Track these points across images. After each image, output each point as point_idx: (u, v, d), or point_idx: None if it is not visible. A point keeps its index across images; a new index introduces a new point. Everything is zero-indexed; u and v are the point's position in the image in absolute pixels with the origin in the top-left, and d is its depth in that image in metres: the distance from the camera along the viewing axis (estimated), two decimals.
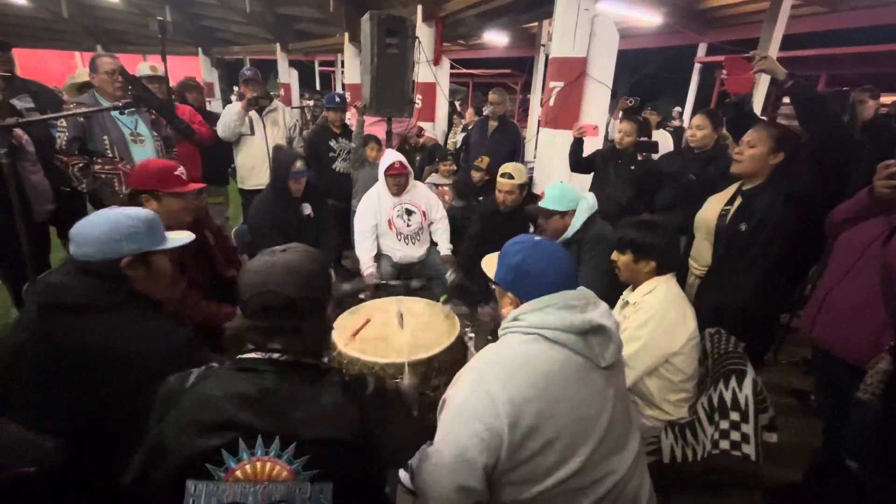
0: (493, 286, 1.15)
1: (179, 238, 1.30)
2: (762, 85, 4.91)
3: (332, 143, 3.62)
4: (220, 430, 0.81)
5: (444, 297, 2.19)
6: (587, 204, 2.10)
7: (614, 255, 1.63)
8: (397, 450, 0.97)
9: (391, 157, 2.73)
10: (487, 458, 0.89)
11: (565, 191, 2.12)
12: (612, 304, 1.65)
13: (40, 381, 1.06)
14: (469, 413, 0.91)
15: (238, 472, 0.80)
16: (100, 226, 1.13)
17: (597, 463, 0.95)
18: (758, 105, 4.76)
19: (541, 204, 2.12)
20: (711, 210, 1.97)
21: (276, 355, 0.88)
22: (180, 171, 1.76)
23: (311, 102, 8.51)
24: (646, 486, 1.06)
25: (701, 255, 2.02)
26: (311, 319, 0.94)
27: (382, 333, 1.90)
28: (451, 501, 0.91)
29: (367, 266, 2.70)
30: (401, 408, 0.98)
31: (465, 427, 0.91)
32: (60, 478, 1.01)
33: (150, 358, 1.07)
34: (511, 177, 2.61)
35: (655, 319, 1.48)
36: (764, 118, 2.80)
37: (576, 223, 2.09)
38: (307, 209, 2.70)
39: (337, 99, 3.69)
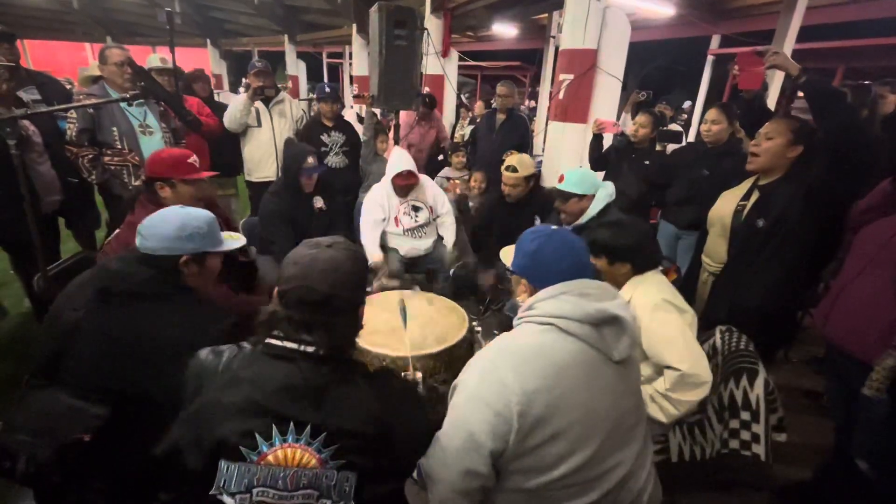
0: (510, 275, 1.16)
1: (233, 241, 1.39)
2: (777, 80, 4.81)
3: (324, 138, 3.38)
4: (255, 414, 0.84)
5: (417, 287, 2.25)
6: (606, 192, 2.09)
7: (591, 259, 1.58)
8: (418, 444, 0.99)
9: (399, 163, 2.61)
10: (495, 443, 0.90)
11: (585, 175, 2.11)
12: None
13: (91, 358, 1.12)
14: (480, 399, 0.92)
15: (270, 457, 0.83)
16: (168, 224, 1.22)
17: (604, 457, 0.95)
18: (772, 99, 4.66)
19: (560, 186, 2.09)
20: (726, 206, 1.93)
21: (309, 348, 0.90)
22: (193, 159, 1.80)
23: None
24: (651, 482, 1.06)
25: (715, 251, 1.98)
26: (343, 317, 0.94)
27: (392, 326, 1.91)
28: (458, 485, 0.93)
29: (374, 254, 2.67)
30: (420, 403, 1.01)
31: (476, 412, 0.92)
32: (108, 443, 1.06)
33: (197, 345, 1.11)
34: (515, 170, 2.58)
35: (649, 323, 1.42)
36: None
37: (592, 210, 2.06)
38: (319, 202, 2.69)
39: (327, 89, 3.44)
